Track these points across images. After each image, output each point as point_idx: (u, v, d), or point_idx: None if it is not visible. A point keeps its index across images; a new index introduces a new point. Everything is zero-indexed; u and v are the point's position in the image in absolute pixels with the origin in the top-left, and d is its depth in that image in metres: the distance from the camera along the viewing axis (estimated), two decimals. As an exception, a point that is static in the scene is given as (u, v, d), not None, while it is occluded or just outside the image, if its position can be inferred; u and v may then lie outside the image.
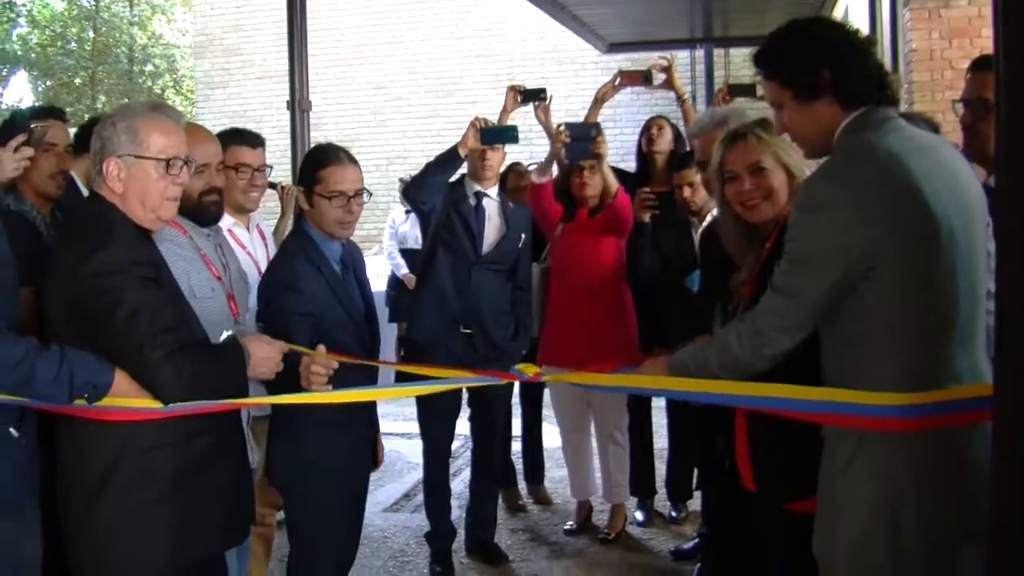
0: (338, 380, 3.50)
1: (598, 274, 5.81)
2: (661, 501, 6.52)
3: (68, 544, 3.12)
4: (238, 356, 3.05)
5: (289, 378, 3.34)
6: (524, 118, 5.97)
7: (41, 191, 4.07)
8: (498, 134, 5.46)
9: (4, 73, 29.33)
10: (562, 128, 5.72)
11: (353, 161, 4.07)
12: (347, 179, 3.98)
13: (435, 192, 5.49)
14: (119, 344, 2.87)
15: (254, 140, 4.71)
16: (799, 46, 2.84)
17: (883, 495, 2.62)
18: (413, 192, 5.55)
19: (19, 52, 28.90)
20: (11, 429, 3.06)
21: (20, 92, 30.26)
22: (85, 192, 4.70)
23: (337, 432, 3.95)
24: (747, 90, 6.15)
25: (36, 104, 26.14)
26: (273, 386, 3.37)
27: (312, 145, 4.73)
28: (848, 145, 2.76)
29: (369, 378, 4.09)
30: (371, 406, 4.28)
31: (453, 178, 5.68)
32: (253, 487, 3.53)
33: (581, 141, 5.70)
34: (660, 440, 6.63)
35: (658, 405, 6.69)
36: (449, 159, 5.42)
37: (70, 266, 2.93)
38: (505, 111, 5.62)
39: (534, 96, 5.84)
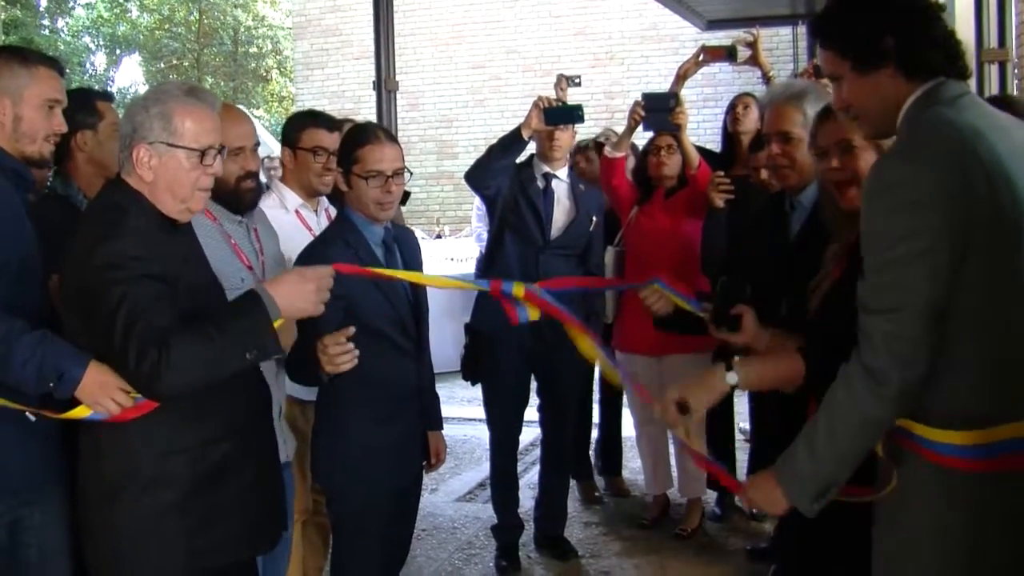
0: (379, 369, 3.52)
1: (675, 258, 5.58)
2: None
3: (85, 543, 3.04)
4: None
5: (309, 362, 3.24)
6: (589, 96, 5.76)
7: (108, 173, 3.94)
8: (563, 114, 5.25)
9: (115, 57, 29.97)
10: (638, 100, 5.50)
11: (392, 139, 3.90)
12: (385, 158, 3.79)
13: (498, 176, 5.30)
14: (106, 340, 2.73)
15: (331, 123, 4.64)
16: (858, 10, 2.59)
17: (960, 524, 2.37)
18: (476, 176, 5.36)
19: (129, 36, 29.47)
20: (27, 413, 3.01)
21: (132, 75, 30.98)
22: None
23: (382, 426, 3.79)
24: (726, 53, 6.03)
25: (142, 88, 26.77)
26: (293, 371, 3.22)
27: (399, 125, 4.62)
28: (921, 121, 2.46)
29: (416, 362, 3.95)
30: (419, 397, 4.06)
31: (521, 159, 5.49)
32: (282, 491, 3.35)
33: (659, 112, 5.47)
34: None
35: (740, 394, 6.42)
36: (512, 141, 5.21)
37: (80, 255, 2.81)
38: (528, 126, 5.23)
39: (565, 117, 5.34)
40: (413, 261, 4.08)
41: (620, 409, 6.77)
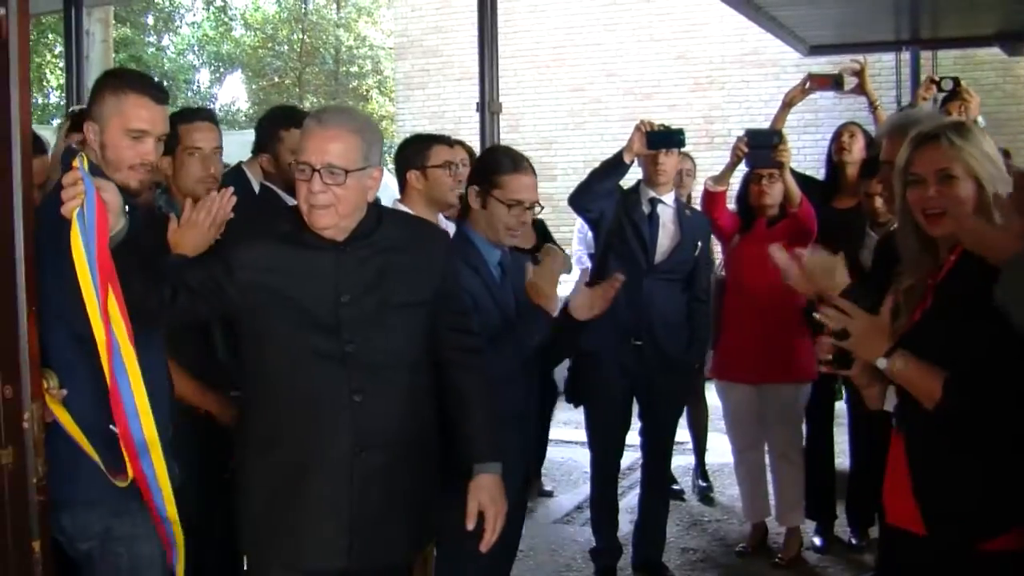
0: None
1: (776, 288, 5.55)
2: (842, 527, 6.20)
3: None
4: None
5: None
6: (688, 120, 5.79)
7: (189, 193, 4.04)
8: (665, 138, 5.28)
9: (219, 75, 30.51)
10: (742, 136, 5.52)
11: (533, 170, 3.99)
12: (527, 188, 3.92)
13: (601, 199, 5.35)
14: None
15: (449, 140, 4.82)
16: None
17: None
18: (579, 199, 5.42)
19: (233, 54, 29.97)
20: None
21: (235, 92, 31.49)
22: (256, 188, 4.78)
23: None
24: (833, 81, 6.09)
25: (244, 106, 27.23)
26: None
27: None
28: None
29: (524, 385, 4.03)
30: (526, 416, 4.12)
31: (628, 184, 5.53)
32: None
33: (762, 148, 5.49)
34: (843, 459, 6.34)
35: (840, 421, 6.38)
36: (615, 165, 5.27)
37: None
38: (630, 151, 5.28)
39: (667, 141, 5.38)
40: (520, 283, 4.14)
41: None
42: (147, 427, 2.95)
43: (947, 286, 2.99)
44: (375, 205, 3.24)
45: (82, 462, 3.09)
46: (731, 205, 6.00)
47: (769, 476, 6.04)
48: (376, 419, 3.08)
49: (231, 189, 3.59)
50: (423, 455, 3.25)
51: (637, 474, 6.83)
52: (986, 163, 2.95)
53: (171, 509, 3.09)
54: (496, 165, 3.93)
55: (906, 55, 12.77)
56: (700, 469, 7.38)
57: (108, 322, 2.83)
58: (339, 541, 3.11)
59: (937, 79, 6.36)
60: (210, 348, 3.84)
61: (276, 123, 4.80)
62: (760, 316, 5.64)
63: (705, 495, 7.21)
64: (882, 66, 13.46)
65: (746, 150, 5.54)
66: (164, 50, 30.01)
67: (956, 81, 6.21)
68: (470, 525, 3.18)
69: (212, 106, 28.29)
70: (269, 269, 3.06)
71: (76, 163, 2.81)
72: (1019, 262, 2.63)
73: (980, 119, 6.02)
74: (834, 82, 6.14)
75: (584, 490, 7.22)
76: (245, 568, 3.31)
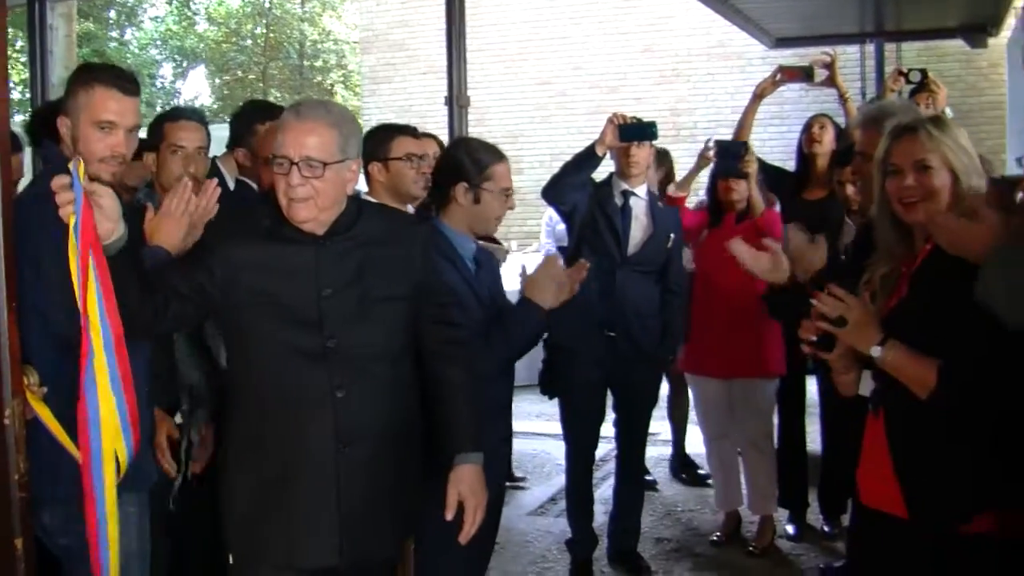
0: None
1: (744, 283, 5.60)
2: (814, 514, 6.25)
3: None
4: None
5: None
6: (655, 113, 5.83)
7: (169, 190, 4.03)
8: (637, 131, 5.30)
9: (183, 69, 30.36)
10: (710, 144, 5.57)
11: None
12: (509, 173, 3.98)
13: (574, 192, 5.37)
14: None
15: (414, 131, 4.75)
16: None
17: None
18: (552, 191, 5.43)
19: (197, 48, 29.83)
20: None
21: (198, 87, 31.33)
22: (231, 183, 4.77)
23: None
24: (803, 73, 6.16)
25: (208, 100, 27.13)
26: None
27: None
28: None
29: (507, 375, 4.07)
30: (509, 408, 4.14)
31: (600, 176, 5.55)
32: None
33: (729, 158, 5.54)
34: (814, 448, 6.40)
35: (812, 411, 6.43)
36: (587, 158, 5.28)
37: None
38: (602, 143, 5.31)
39: (639, 134, 5.38)
40: (496, 279, 4.16)
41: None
42: (107, 439, 2.92)
43: (922, 275, 3.04)
44: (354, 198, 3.23)
45: (63, 459, 3.08)
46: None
47: (741, 466, 6.08)
48: (359, 414, 3.07)
49: (215, 181, 3.58)
50: (408, 448, 3.24)
51: (610, 465, 6.87)
52: (962, 155, 3.02)
53: (112, 528, 3.01)
54: (484, 159, 3.94)
55: (871, 47, 12.83)
56: (680, 458, 7.43)
57: (86, 328, 2.82)
58: (329, 538, 3.10)
59: (905, 71, 6.43)
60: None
61: (253, 117, 4.78)
62: (728, 311, 5.69)
63: (691, 480, 7.32)
64: (847, 58, 13.54)
65: (713, 159, 5.61)
66: (127, 45, 29.82)
67: (924, 73, 6.29)
68: (449, 516, 3.16)
69: (176, 101, 28.19)
70: (249, 267, 3.05)
71: (71, 167, 2.79)
72: (1000, 258, 2.67)
73: (948, 110, 6.09)
74: (805, 74, 6.19)
75: (557, 482, 7.26)
76: (229, 568, 3.28)
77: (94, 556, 2.98)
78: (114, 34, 29.58)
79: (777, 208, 6.00)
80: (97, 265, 2.80)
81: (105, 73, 3.37)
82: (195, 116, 4.26)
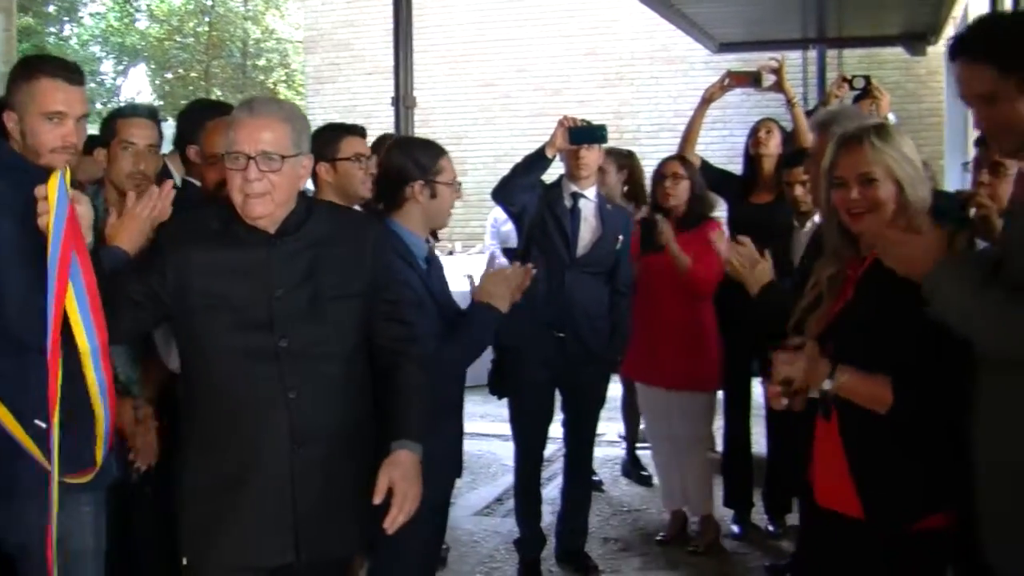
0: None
1: (680, 295, 5.73)
2: (759, 514, 6.33)
3: None
4: None
5: None
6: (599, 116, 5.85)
7: (119, 186, 4.01)
8: (587, 134, 5.33)
9: (124, 66, 30.05)
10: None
11: None
12: (452, 166, 4.01)
13: (523, 193, 5.40)
14: None
15: (362, 131, 4.73)
16: None
17: None
18: (502, 193, 5.46)
19: (138, 46, 29.54)
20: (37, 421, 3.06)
21: (138, 85, 31.01)
22: (178, 182, 4.73)
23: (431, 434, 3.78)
24: (752, 78, 6.26)
25: (149, 98, 26.89)
26: None
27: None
28: None
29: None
30: (461, 408, 4.16)
31: (551, 179, 5.58)
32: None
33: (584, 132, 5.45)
34: (758, 449, 6.47)
35: (758, 414, 6.51)
36: (537, 160, 5.31)
37: None
38: (552, 146, 5.33)
39: (589, 137, 5.39)
40: (444, 279, 4.16)
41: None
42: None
43: (869, 281, 3.08)
44: (304, 197, 3.23)
45: (17, 455, 3.07)
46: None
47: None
48: (313, 414, 3.07)
49: (171, 182, 3.57)
50: (363, 447, 3.23)
51: (556, 466, 6.91)
52: (906, 165, 3.05)
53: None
54: (433, 155, 3.96)
55: (813, 53, 13.03)
56: (632, 456, 7.48)
57: (57, 335, 2.80)
58: (284, 537, 3.09)
59: (849, 77, 6.52)
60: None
61: (203, 115, 4.74)
62: (666, 322, 5.78)
63: (639, 480, 7.38)
64: (790, 64, 13.54)
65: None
66: (67, 41, 29.48)
67: (868, 80, 6.38)
68: (377, 500, 3.05)
69: (117, 98, 27.89)
70: (201, 270, 3.05)
71: (57, 176, 2.79)
72: (945, 274, 2.72)
73: (891, 116, 6.18)
74: (753, 79, 6.27)
75: (503, 482, 7.28)
76: (184, 569, 3.26)
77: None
78: (53, 29, 29.19)
79: (723, 214, 6.09)
80: (84, 273, 2.79)
81: (49, 64, 3.36)
82: (148, 113, 4.23)
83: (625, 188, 6.89)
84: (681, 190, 5.79)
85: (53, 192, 2.77)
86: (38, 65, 3.36)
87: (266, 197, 3.00)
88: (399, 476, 3.08)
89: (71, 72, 3.36)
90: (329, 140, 4.57)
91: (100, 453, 2.99)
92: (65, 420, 2.91)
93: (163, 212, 3.41)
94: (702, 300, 5.82)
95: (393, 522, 3.06)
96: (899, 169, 3.04)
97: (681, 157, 6.04)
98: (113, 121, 4.05)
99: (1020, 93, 2.60)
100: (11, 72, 3.41)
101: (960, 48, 2.73)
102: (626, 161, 7.00)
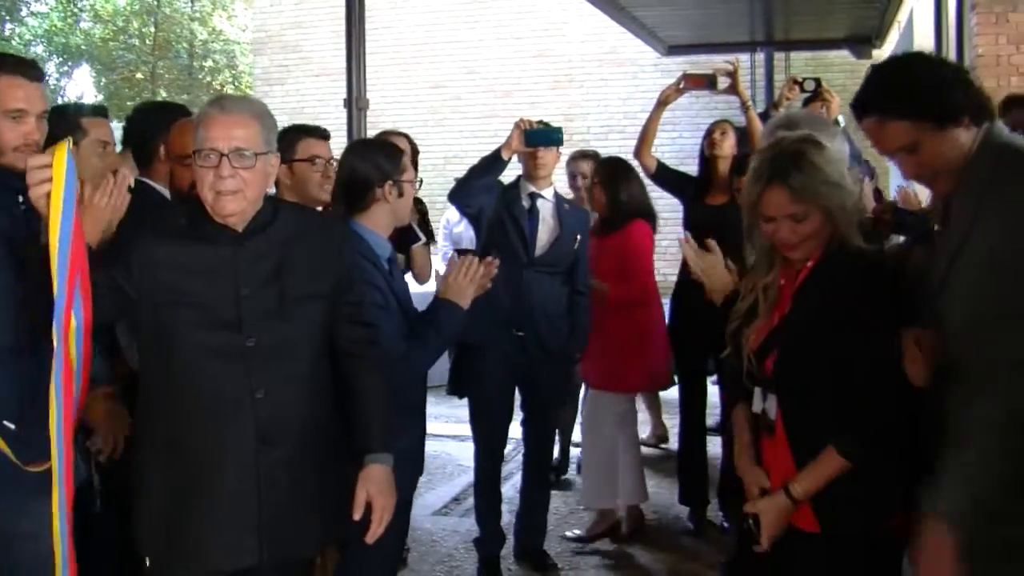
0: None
1: (605, 297, 5.86)
2: (714, 511, 6.40)
3: None
4: None
5: None
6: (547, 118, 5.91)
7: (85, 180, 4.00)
8: (543, 136, 5.36)
9: (68, 67, 29.76)
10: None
11: None
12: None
13: (480, 195, 5.42)
14: None
15: (321, 133, 4.77)
16: (920, 72, 2.72)
17: None
18: (458, 195, 5.48)
19: (82, 46, 29.28)
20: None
21: (82, 86, 30.71)
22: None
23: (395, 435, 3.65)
24: (707, 81, 6.37)
25: (93, 99, 26.64)
26: None
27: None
28: (1014, 153, 2.65)
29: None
30: (424, 408, 4.19)
31: (508, 179, 5.62)
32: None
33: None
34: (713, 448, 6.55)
35: (712, 414, 6.60)
36: (493, 162, 5.33)
37: None
38: (508, 148, 5.33)
39: (545, 139, 5.42)
40: (404, 280, 4.18)
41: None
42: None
43: (807, 293, 3.06)
44: (270, 198, 3.22)
45: None
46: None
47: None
48: (279, 414, 3.06)
49: (127, 172, 3.53)
50: (328, 447, 3.23)
51: (511, 465, 6.95)
52: (832, 191, 2.97)
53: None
54: (396, 157, 3.97)
55: (760, 56, 13.15)
56: (564, 456, 7.52)
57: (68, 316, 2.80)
58: (248, 539, 3.07)
59: (800, 80, 6.61)
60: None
61: (164, 115, 4.70)
62: (603, 318, 5.88)
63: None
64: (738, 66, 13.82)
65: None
66: (9, 40, 29.13)
67: (818, 82, 6.48)
68: (357, 515, 3.15)
69: (60, 99, 27.59)
70: (167, 266, 3.02)
71: (62, 148, 2.76)
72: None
73: (840, 118, 6.27)
74: (708, 82, 6.34)
75: (459, 482, 7.31)
76: (146, 571, 3.25)
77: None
78: (-8, 29, 28.91)
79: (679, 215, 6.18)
80: (77, 253, 2.79)
81: (6, 62, 3.32)
82: (102, 112, 4.25)
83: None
84: (597, 195, 5.95)
85: (61, 165, 2.73)
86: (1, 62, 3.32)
87: (238, 194, 2.99)
88: (376, 491, 3.18)
89: (29, 68, 3.33)
90: (288, 142, 4.58)
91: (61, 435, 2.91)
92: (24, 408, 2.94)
93: (120, 203, 3.37)
94: (643, 296, 5.97)
95: (374, 535, 3.17)
96: (825, 199, 2.97)
97: (597, 159, 6.37)
98: (78, 121, 4.04)
99: (938, 132, 2.64)
100: None
101: (865, 109, 2.76)
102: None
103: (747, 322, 3.19)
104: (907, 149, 2.70)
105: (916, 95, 2.67)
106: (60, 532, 2.91)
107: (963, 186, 2.68)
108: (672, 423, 7.55)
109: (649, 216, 6.14)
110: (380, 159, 3.97)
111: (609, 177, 6.01)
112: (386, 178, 3.91)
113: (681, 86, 6.29)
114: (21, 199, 3.15)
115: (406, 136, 5.65)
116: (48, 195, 2.75)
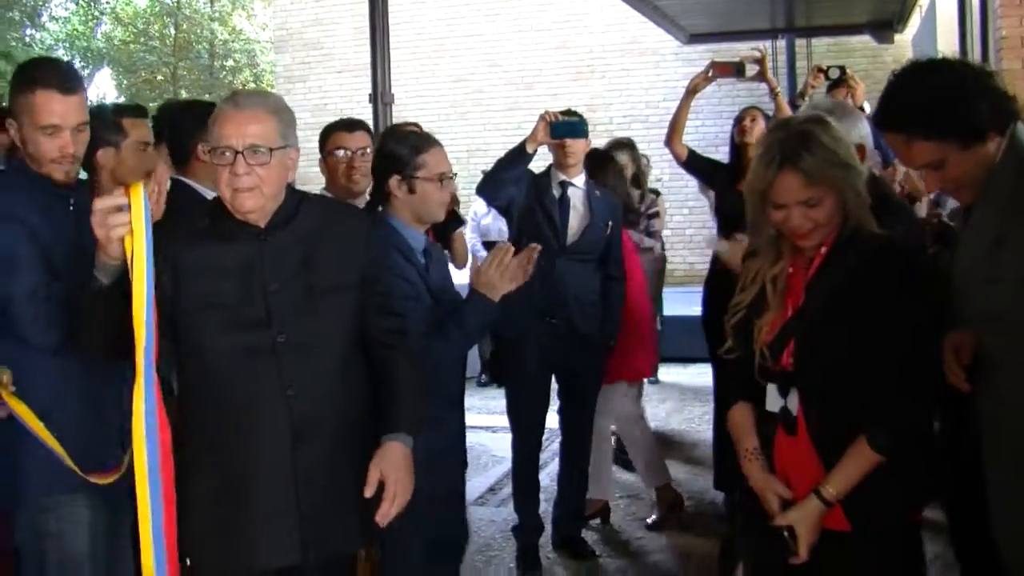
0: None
1: None
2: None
3: None
4: None
5: None
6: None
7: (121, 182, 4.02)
8: (568, 128, 5.40)
9: (89, 70, 29.87)
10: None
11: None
12: (445, 158, 3.95)
13: (507, 187, 5.47)
14: None
15: (349, 125, 4.84)
16: (948, 92, 2.68)
17: None
18: (486, 188, 5.53)
19: (103, 49, 29.40)
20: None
21: (104, 89, 30.83)
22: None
23: (434, 427, 3.61)
24: (735, 69, 6.38)
25: (120, 100, 26.72)
26: None
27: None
28: None
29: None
30: (462, 400, 4.22)
31: (539, 168, 5.66)
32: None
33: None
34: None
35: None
36: (518, 155, 5.37)
37: None
38: (534, 140, 5.35)
39: (570, 131, 5.48)
40: (446, 273, 4.19)
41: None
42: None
43: (821, 283, 2.96)
44: (293, 190, 3.19)
45: (14, 457, 3.15)
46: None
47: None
48: (312, 411, 3.05)
49: (166, 171, 3.55)
50: (364, 440, 3.17)
51: (545, 454, 6.97)
52: (840, 171, 2.88)
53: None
54: (413, 148, 3.92)
55: (782, 42, 13.12)
56: (619, 443, 7.54)
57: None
58: (290, 537, 3.06)
59: (825, 68, 6.61)
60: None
61: (204, 111, 4.73)
62: None
63: (625, 466, 7.38)
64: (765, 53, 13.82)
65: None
66: (32, 45, 29.26)
67: (843, 69, 6.49)
68: (368, 493, 3.02)
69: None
70: (194, 269, 3.01)
71: (138, 190, 2.68)
72: None
73: (866, 105, 6.27)
74: (736, 70, 6.34)
75: (494, 472, 7.35)
76: (187, 571, 3.25)
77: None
78: (15, 35, 28.96)
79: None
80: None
81: (45, 73, 3.34)
82: (139, 113, 4.25)
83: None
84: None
85: (139, 208, 2.66)
86: (33, 75, 3.34)
87: (255, 191, 2.96)
88: (389, 468, 3.06)
89: (68, 80, 3.34)
90: (321, 139, 4.63)
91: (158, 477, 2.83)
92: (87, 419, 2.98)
93: (161, 204, 3.36)
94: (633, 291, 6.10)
95: (385, 516, 3.05)
96: (837, 181, 2.87)
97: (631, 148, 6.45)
98: (120, 120, 4.06)
99: (963, 149, 2.66)
100: (12, 78, 3.42)
101: (889, 127, 2.77)
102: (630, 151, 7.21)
103: (754, 314, 3.06)
104: (933, 166, 2.72)
105: (940, 114, 2.66)
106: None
107: (986, 197, 2.71)
108: (704, 410, 7.57)
109: (627, 209, 6.18)
110: (396, 150, 3.93)
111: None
112: (394, 172, 3.91)
113: (710, 74, 6.30)
114: (72, 204, 3.31)
115: (417, 127, 5.64)
116: (122, 238, 2.68)
